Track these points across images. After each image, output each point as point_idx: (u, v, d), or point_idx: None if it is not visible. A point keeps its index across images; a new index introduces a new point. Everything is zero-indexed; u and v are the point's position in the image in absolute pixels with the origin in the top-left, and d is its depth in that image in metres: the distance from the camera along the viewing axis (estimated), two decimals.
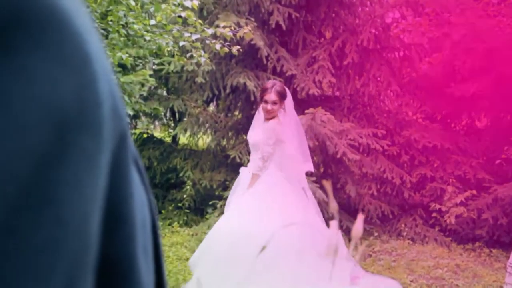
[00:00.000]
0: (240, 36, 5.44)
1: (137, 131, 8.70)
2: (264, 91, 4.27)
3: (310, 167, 4.59)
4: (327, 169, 7.09)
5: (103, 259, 0.35)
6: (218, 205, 6.53)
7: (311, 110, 6.31)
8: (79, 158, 0.29)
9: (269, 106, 4.22)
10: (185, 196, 7.08)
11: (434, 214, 6.78)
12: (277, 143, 4.32)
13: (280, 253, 3.72)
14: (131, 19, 4.66)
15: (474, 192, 6.53)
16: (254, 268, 3.73)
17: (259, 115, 4.51)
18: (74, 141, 0.28)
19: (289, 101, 4.47)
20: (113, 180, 0.34)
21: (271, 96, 4.22)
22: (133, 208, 0.38)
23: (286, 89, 4.46)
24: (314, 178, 5.72)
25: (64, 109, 0.28)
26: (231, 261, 4.03)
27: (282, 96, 4.27)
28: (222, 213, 6.32)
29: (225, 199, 6.51)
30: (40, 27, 0.27)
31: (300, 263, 3.76)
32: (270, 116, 4.29)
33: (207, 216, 6.66)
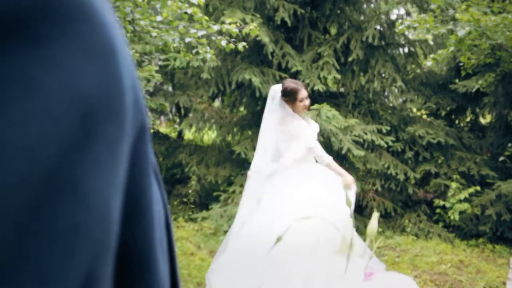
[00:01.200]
0: (245, 33, 5.46)
1: None
2: (296, 91, 4.26)
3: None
4: None
5: (124, 248, 0.36)
6: (222, 198, 6.59)
7: (316, 106, 6.34)
8: (103, 145, 0.29)
9: (306, 102, 4.31)
10: (190, 191, 7.12)
11: (438, 210, 6.81)
12: None
13: (294, 247, 3.75)
14: (137, 15, 4.69)
15: (478, 188, 6.55)
16: (268, 262, 3.77)
17: (287, 113, 4.46)
18: (98, 129, 0.29)
19: None
20: (132, 171, 0.35)
21: (304, 92, 4.30)
22: (151, 201, 0.38)
23: None
24: None
25: (90, 98, 0.28)
26: (245, 256, 4.07)
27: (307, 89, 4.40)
28: (225, 206, 6.37)
29: (230, 193, 6.58)
30: (68, 17, 0.28)
31: (314, 258, 3.79)
32: (305, 111, 4.40)
33: (210, 209, 6.70)
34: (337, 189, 4.17)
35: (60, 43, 0.27)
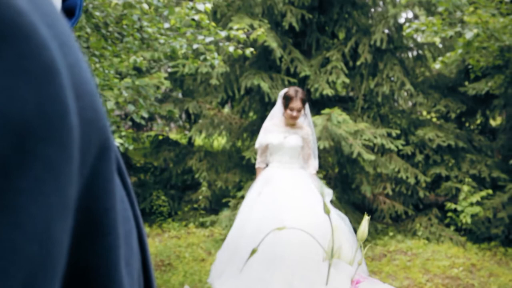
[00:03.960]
0: (253, 38, 5.49)
1: (153, 133, 8.78)
2: (289, 99, 4.40)
3: (316, 166, 4.75)
4: (341, 169, 7.12)
5: (85, 268, 0.36)
6: (231, 204, 6.59)
7: (327, 110, 6.35)
8: (41, 167, 0.29)
9: (294, 113, 4.40)
10: (200, 197, 7.14)
11: (449, 214, 6.78)
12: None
13: (278, 254, 3.83)
14: (145, 23, 4.72)
15: (490, 191, 6.51)
16: (246, 270, 3.84)
17: (276, 119, 4.63)
18: (35, 151, 0.28)
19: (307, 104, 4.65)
20: (92, 191, 0.35)
21: (297, 104, 4.38)
22: (115, 221, 0.38)
23: (305, 93, 4.60)
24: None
25: (23, 120, 0.28)
26: (237, 253, 4.15)
27: (305, 102, 4.45)
28: (235, 210, 6.42)
29: (239, 198, 6.60)
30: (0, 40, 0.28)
31: (298, 266, 3.84)
32: (294, 121, 4.47)
33: (219, 214, 6.71)
34: (318, 198, 4.25)
35: None
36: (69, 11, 0.59)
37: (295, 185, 4.41)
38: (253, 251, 0.63)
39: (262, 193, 4.47)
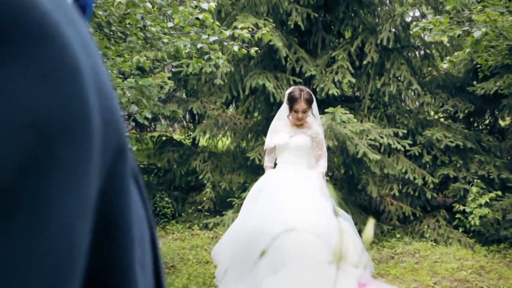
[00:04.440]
0: (258, 37, 5.43)
1: (156, 134, 8.72)
2: (294, 100, 4.34)
3: (325, 165, 4.68)
4: (347, 170, 7.04)
5: (101, 268, 0.36)
6: (235, 205, 6.53)
7: (330, 109, 6.26)
8: (63, 168, 0.29)
9: (300, 115, 4.36)
10: (204, 198, 7.08)
11: (457, 215, 6.69)
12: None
13: (283, 257, 3.77)
14: (148, 22, 4.68)
15: (499, 192, 6.43)
16: (258, 270, 3.80)
17: (283, 119, 4.58)
18: (57, 152, 0.28)
19: (314, 103, 4.57)
20: (108, 193, 0.35)
21: (302, 105, 4.32)
22: (130, 222, 0.38)
23: (311, 92, 4.51)
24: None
25: (47, 121, 0.28)
26: (245, 257, 4.10)
27: (310, 102, 4.37)
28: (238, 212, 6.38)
29: (244, 199, 6.54)
30: (25, 42, 0.27)
31: (303, 270, 3.78)
32: (300, 123, 4.42)
33: (224, 216, 6.65)
34: (326, 200, 4.18)
35: (10, 68, 0.27)
36: (79, 10, 0.59)
37: (298, 186, 4.34)
38: (263, 253, 0.57)
39: (263, 191, 4.42)
